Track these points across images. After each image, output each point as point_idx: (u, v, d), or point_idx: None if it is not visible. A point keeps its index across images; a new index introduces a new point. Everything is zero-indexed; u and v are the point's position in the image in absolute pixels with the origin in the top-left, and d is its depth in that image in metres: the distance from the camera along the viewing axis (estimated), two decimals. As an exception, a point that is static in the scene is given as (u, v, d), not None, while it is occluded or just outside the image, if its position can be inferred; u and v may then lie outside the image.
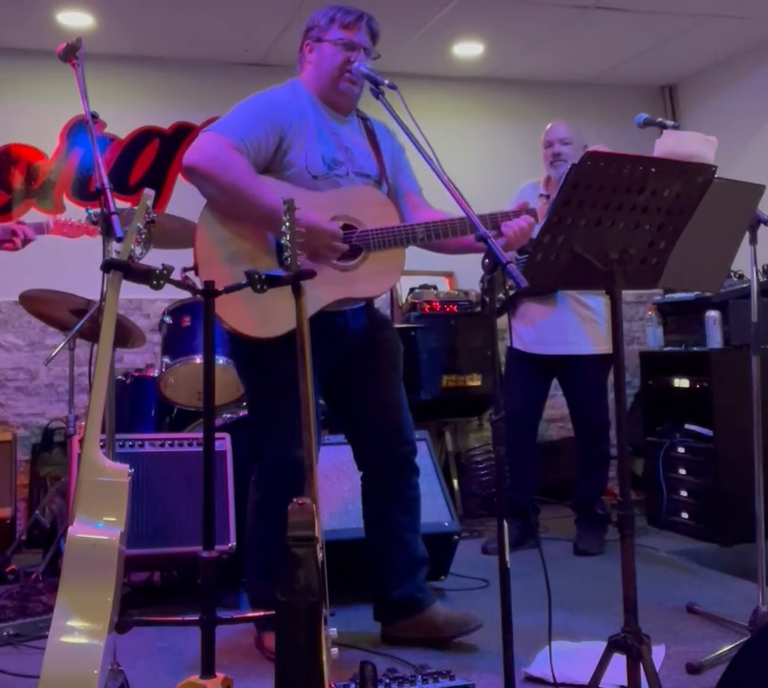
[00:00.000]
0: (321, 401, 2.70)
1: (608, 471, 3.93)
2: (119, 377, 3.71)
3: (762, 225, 2.49)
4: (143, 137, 4.83)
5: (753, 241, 2.51)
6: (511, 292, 3.80)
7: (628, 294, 3.30)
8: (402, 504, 2.67)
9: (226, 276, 2.31)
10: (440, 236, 2.48)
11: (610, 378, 3.52)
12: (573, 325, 3.78)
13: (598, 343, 3.76)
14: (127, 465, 1.72)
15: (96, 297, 2.12)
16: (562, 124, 3.87)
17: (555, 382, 3.96)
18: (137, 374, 3.81)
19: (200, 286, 2.01)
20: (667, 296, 4.47)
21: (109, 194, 2.14)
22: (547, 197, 3.72)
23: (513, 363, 3.93)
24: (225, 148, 2.39)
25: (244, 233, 2.46)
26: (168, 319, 3.63)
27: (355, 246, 2.50)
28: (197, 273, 2.47)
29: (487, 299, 4.07)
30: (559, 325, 3.78)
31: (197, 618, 1.84)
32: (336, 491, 3.14)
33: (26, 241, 2.75)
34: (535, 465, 3.90)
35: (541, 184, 3.87)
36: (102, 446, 1.76)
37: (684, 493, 4.05)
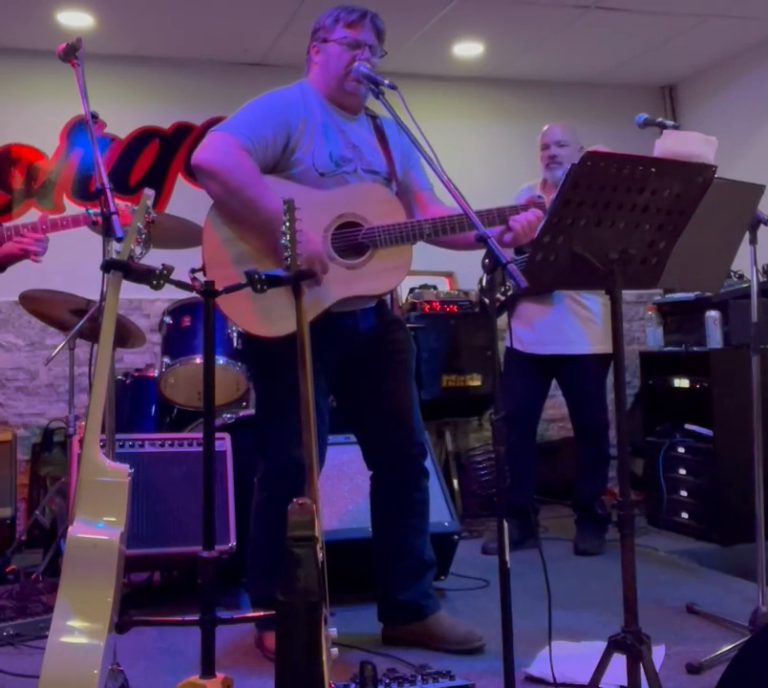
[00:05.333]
0: (331, 400, 2.70)
1: (608, 471, 3.93)
2: (119, 377, 3.70)
3: (762, 225, 2.49)
4: (143, 137, 4.83)
5: (753, 241, 2.51)
6: (509, 293, 3.80)
7: (628, 294, 3.29)
8: (410, 506, 2.67)
9: (233, 277, 2.30)
10: (447, 232, 2.47)
11: (610, 378, 3.52)
12: (571, 325, 3.78)
13: (596, 343, 3.76)
14: (127, 465, 1.72)
15: (96, 297, 2.12)
16: (558, 126, 3.86)
17: (555, 382, 3.96)
18: (137, 374, 3.81)
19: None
20: (667, 296, 4.47)
21: (109, 194, 2.14)
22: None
23: (512, 364, 3.92)
24: (234, 149, 2.39)
25: (249, 234, 2.45)
26: (168, 319, 3.63)
27: (362, 243, 2.50)
28: (205, 274, 2.47)
29: (486, 300, 4.07)
30: (556, 325, 3.78)
31: (197, 618, 1.84)
32: (337, 491, 3.14)
33: (37, 243, 2.71)
34: (534, 465, 3.90)
35: (537, 187, 3.87)
36: (102, 446, 1.76)
37: (684, 493, 4.05)
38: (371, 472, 2.72)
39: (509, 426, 3.80)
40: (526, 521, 3.78)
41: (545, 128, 3.88)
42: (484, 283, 3.95)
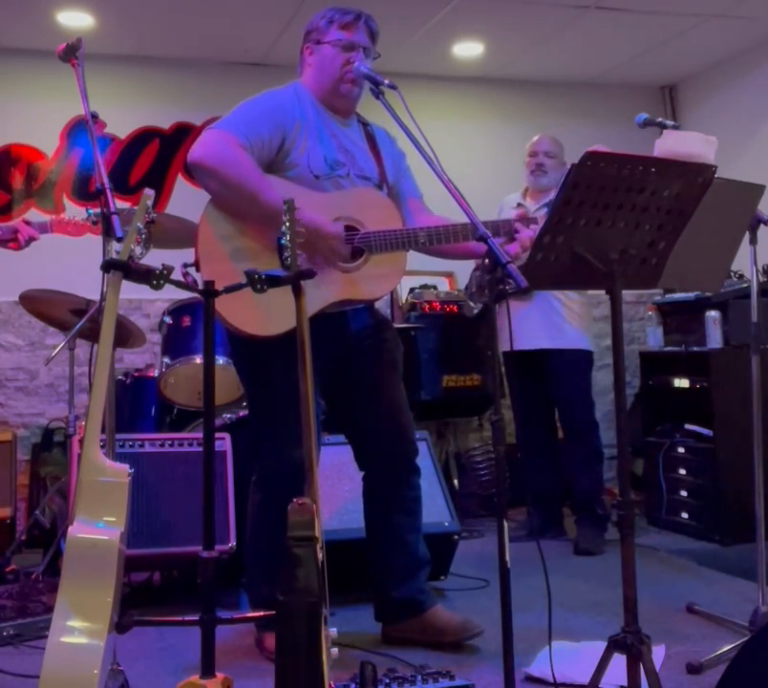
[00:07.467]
0: (321, 401, 2.70)
1: (602, 468, 3.95)
2: (119, 377, 3.70)
3: (762, 225, 2.50)
4: (143, 137, 4.82)
5: (753, 241, 2.51)
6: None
7: (628, 294, 3.30)
8: (403, 504, 2.67)
9: (228, 273, 2.30)
10: (442, 241, 2.47)
11: (610, 378, 3.52)
12: (551, 321, 3.84)
13: (577, 338, 3.83)
14: (127, 465, 1.72)
15: (96, 297, 2.12)
16: (547, 138, 3.99)
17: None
18: (137, 374, 3.81)
19: (200, 282, 2.01)
20: (667, 296, 4.47)
21: (109, 194, 2.14)
22: (524, 207, 3.84)
23: (510, 368, 4.01)
24: (230, 145, 2.39)
25: (247, 230, 2.45)
26: (168, 319, 3.63)
27: (357, 247, 2.50)
28: (198, 269, 2.47)
29: (471, 302, 4.13)
30: (537, 320, 3.82)
31: (197, 618, 1.84)
32: (336, 491, 3.14)
33: (30, 240, 2.73)
34: (558, 459, 3.98)
35: (521, 197, 3.97)
36: (102, 446, 1.76)
37: (684, 493, 4.05)
38: (363, 472, 2.72)
39: (528, 425, 3.90)
40: (549, 511, 3.84)
41: (536, 138, 4.01)
42: (473, 286, 4.00)
